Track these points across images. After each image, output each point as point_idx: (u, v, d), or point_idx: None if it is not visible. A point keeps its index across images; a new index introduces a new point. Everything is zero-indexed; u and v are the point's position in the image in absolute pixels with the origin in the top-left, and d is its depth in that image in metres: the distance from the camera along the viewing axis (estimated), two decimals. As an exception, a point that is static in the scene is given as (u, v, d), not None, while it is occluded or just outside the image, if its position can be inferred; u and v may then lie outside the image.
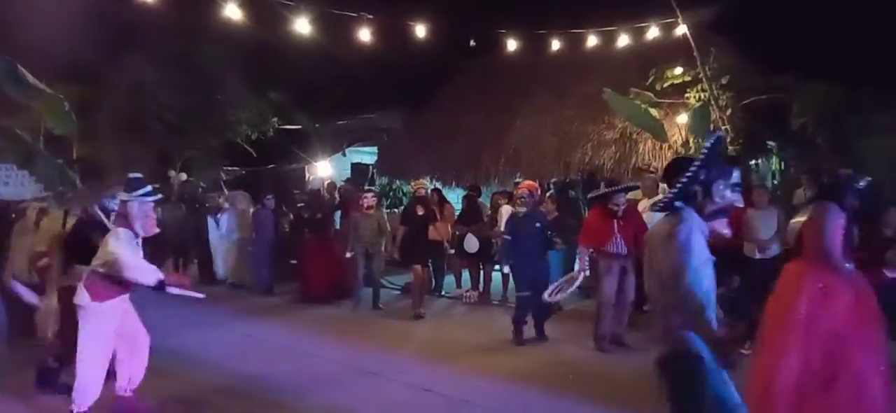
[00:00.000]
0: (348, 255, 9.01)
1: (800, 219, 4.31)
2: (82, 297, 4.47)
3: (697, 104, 8.96)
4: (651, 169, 9.15)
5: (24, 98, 8.83)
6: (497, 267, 8.88)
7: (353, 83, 14.27)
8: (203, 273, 11.42)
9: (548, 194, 9.68)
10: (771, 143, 9.47)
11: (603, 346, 6.70)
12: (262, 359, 6.53)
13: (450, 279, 10.26)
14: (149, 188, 4.68)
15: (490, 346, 7.03)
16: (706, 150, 2.87)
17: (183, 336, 7.00)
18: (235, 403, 5.30)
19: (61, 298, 5.13)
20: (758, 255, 6.62)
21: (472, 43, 10.75)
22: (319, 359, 6.56)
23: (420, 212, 8.89)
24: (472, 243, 9.32)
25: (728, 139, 8.67)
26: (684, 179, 2.81)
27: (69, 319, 4.73)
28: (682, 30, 9.16)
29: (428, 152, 12.32)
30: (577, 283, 6.70)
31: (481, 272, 9.56)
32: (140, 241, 4.61)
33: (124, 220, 4.56)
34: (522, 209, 7.15)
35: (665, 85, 9.67)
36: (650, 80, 9.81)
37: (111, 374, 4.69)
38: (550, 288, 6.67)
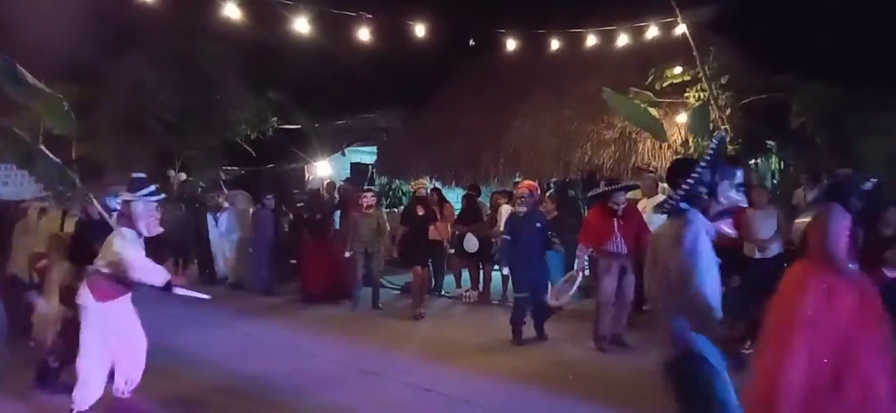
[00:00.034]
0: (347, 254, 9.01)
1: (804, 219, 4.30)
2: (85, 297, 4.46)
3: (697, 104, 8.95)
4: (650, 168, 9.13)
5: (24, 98, 8.77)
6: (497, 267, 8.88)
7: (353, 83, 14.25)
8: (203, 273, 11.43)
9: (547, 194, 9.69)
10: (770, 143, 9.49)
11: (603, 346, 6.70)
12: (262, 359, 6.53)
13: (450, 279, 10.26)
14: (153, 188, 4.69)
15: (490, 346, 7.03)
16: (711, 152, 2.87)
17: (183, 336, 7.00)
18: (235, 403, 5.31)
19: (63, 299, 5.12)
20: (758, 255, 6.61)
21: (471, 42, 10.72)
22: (319, 359, 6.56)
23: (420, 212, 8.88)
24: (471, 243, 9.33)
25: (727, 139, 8.67)
26: (690, 181, 2.82)
27: (71, 319, 4.73)
28: (681, 29, 9.14)
29: (427, 152, 12.31)
30: (577, 283, 6.69)
31: (481, 272, 9.56)
32: (142, 241, 4.60)
33: (128, 219, 4.56)
34: (522, 209, 7.15)
35: (664, 84, 9.67)
36: (649, 79, 9.81)
37: (111, 375, 4.67)
38: (551, 290, 6.66)
